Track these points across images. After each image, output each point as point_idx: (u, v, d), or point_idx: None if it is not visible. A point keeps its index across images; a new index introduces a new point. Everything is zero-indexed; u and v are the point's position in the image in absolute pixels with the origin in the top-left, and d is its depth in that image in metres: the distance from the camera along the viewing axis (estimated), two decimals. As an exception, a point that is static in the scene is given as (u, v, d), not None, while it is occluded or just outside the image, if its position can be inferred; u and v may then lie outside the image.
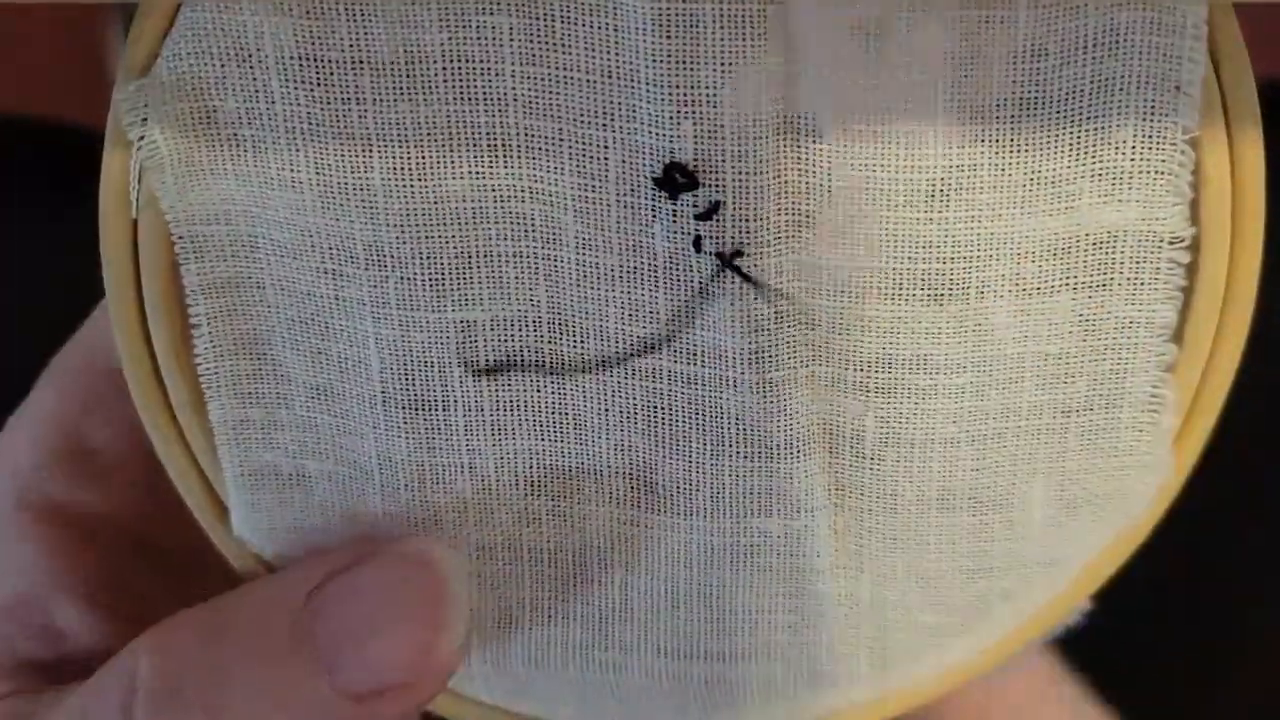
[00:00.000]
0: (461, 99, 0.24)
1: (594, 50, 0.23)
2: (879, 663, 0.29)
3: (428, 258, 0.25)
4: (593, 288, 0.25)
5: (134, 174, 0.25)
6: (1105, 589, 0.28)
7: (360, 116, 0.24)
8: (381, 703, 0.23)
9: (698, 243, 0.24)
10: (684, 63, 0.23)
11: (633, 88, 0.23)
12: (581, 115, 0.24)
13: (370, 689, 0.23)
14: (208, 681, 0.23)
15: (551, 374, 0.26)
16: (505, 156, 0.24)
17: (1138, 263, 0.25)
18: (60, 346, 0.29)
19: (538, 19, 0.23)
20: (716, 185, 0.24)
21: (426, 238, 0.25)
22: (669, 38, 0.23)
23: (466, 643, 0.25)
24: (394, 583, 0.24)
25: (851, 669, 0.29)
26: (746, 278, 0.24)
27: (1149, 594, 0.34)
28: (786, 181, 0.24)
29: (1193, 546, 0.35)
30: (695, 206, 0.24)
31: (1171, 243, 0.24)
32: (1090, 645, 0.33)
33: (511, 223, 0.25)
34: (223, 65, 0.24)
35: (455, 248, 0.25)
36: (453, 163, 0.24)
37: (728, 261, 0.24)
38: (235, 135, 0.24)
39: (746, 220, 0.24)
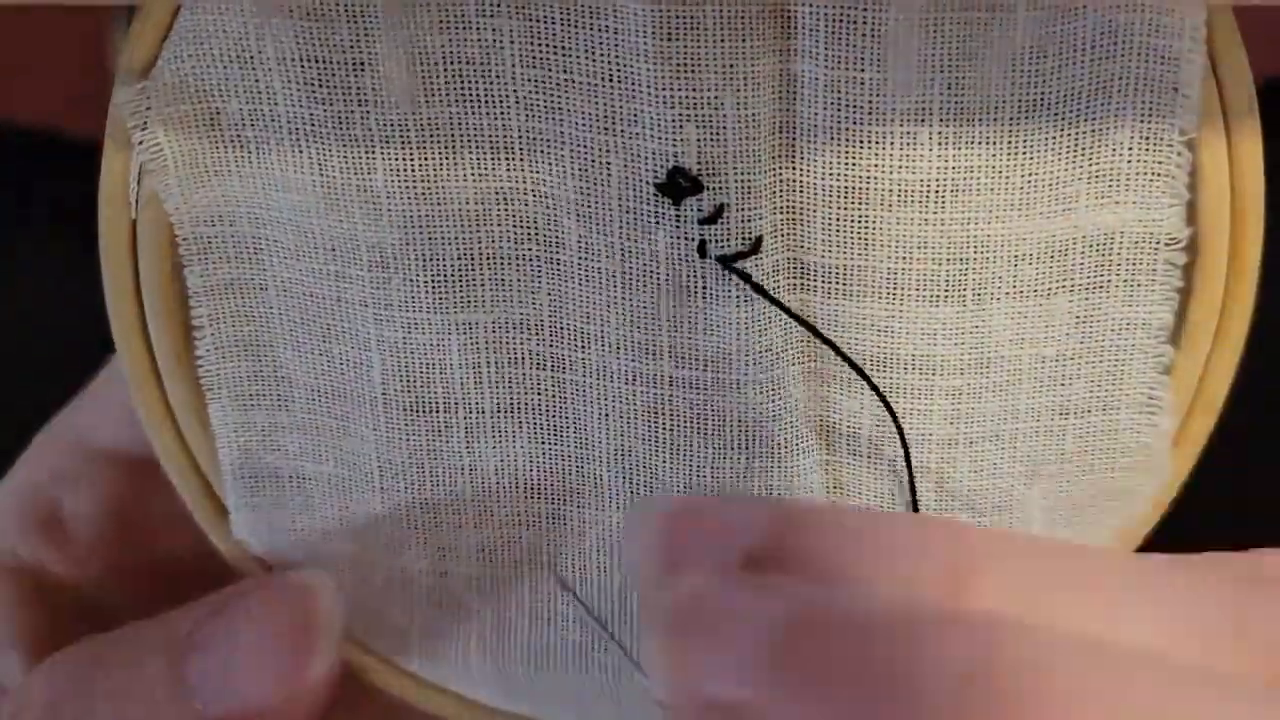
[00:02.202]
0: (463, 101, 0.24)
1: (594, 53, 0.23)
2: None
3: (430, 259, 0.25)
4: (595, 292, 0.25)
5: (134, 175, 0.25)
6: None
7: (363, 118, 0.24)
8: None
9: (702, 247, 0.24)
10: (685, 66, 0.23)
11: (634, 91, 0.23)
12: (583, 119, 0.24)
13: (234, 715, 0.24)
14: (85, 706, 0.25)
15: (553, 377, 0.26)
16: (508, 159, 0.24)
17: (1135, 264, 0.25)
18: (58, 350, 0.30)
19: (538, 21, 0.23)
20: (719, 188, 0.24)
21: (429, 239, 0.25)
22: (669, 40, 0.23)
23: (336, 668, 0.26)
24: (263, 616, 0.25)
25: None
26: (748, 279, 0.24)
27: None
28: (787, 183, 0.24)
29: (1193, 545, 0.35)
30: (700, 211, 0.24)
31: (1168, 244, 0.25)
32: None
33: (514, 225, 0.25)
34: (224, 67, 0.24)
35: (458, 249, 0.25)
36: (455, 164, 0.24)
37: (730, 265, 0.24)
38: (239, 136, 0.24)
39: (749, 222, 0.24)
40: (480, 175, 0.24)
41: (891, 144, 0.24)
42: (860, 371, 0.25)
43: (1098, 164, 0.24)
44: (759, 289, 0.24)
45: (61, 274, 0.31)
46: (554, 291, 0.25)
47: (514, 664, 0.29)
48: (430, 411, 0.26)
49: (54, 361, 0.31)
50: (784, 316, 0.25)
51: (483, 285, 0.25)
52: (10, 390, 0.30)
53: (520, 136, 0.24)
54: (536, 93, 0.24)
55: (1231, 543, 0.32)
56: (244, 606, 0.25)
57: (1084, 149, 0.24)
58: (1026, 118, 0.23)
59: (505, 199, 0.24)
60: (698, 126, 0.23)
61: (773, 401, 0.26)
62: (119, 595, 0.30)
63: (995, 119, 0.23)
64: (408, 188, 0.24)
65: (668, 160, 0.24)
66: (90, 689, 0.25)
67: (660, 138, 0.23)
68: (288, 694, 0.25)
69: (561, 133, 0.24)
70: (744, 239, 0.24)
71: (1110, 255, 0.25)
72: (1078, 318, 0.25)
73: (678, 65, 0.23)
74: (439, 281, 0.25)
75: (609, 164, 0.24)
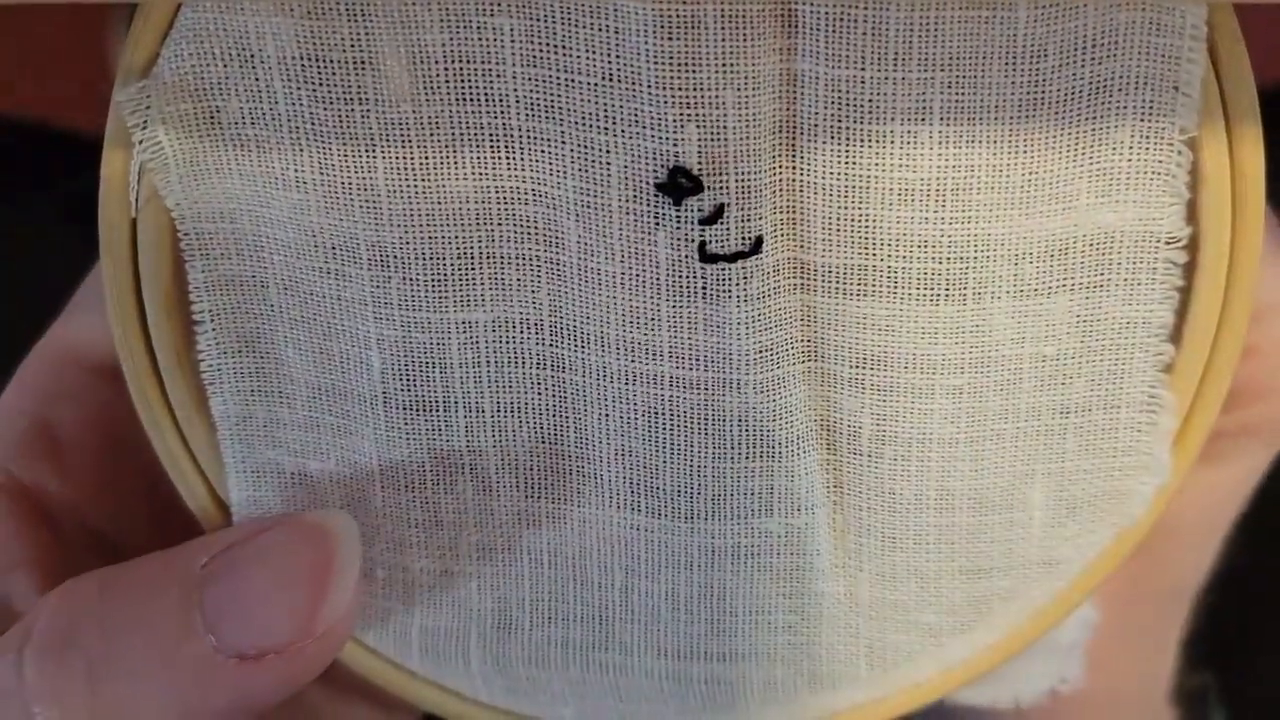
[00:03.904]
0: (463, 99, 0.24)
1: (595, 52, 0.23)
2: (878, 663, 0.29)
3: (430, 258, 0.25)
4: (594, 293, 0.25)
5: (134, 173, 0.25)
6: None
7: (363, 116, 0.24)
8: (260, 666, 0.24)
9: (702, 247, 0.24)
10: (686, 65, 0.23)
11: (635, 91, 0.23)
12: (583, 118, 0.24)
13: (249, 650, 0.24)
14: (97, 634, 0.24)
15: (553, 377, 0.26)
16: (508, 158, 0.24)
17: (1135, 263, 0.25)
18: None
19: (538, 20, 0.23)
20: (720, 187, 0.24)
21: (429, 238, 0.25)
22: (671, 39, 0.23)
23: (352, 615, 0.26)
24: (282, 551, 0.25)
25: (851, 669, 0.29)
26: (748, 279, 0.25)
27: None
28: (788, 182, 0.24)
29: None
30: (700, 211, 0.24)
31: (1168, 243, 0.25)
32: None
33: (514, 224, 0.25)
34: (225, 65, 0.24)
35: (458, 248, 0.25)
36: (456, 163, 0.24)
37: (730, 264, 0.24)
38: (239, 135, 0.24)
39: (749, 222, 0.24)
40: (480, 174, 0.24)
41: (892, 143, 0.24)
42: None
43: (1098, 163, 0.24)
44: None
45: (63, 271, 0.31)
46: (554, 291, 0.25)
47: (515, 663, 0.29)
48: (430, 410, 0.26)
49: None
50: (784, 316, 0.25)
51: (482, 284, 0.25)
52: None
53: (520, 136, 0.24)
54: (537, 92, 0.24)
55: (1232, 543, 0.32)
56: (263, 542, 0.25)
57: (1084, 148, 0.24)
58: (1027, 116, 0.23)
59: (505, 198, 0.24)
60: (699, 126, 0.23)
61: (773, 401, 0.26)
62: (122, 519, 0.29)
63: (996, 118, 0.23)
64: (408, 186, 0.24)
65: (668, 160, 0.24)
66: (103, 620, 0.24)
67: (661, 137, 0.23)
68: (303, 633, 0.24)
69: (562, 132, 0.24)
70: (744, 239, 0.24)
71: (1110, 254, 0.25)
72: (1078, 316, 0.25)
73: (679, 64, 0.23)
74: (439, 280, 0.25)
75: (609, 164, 0.24)
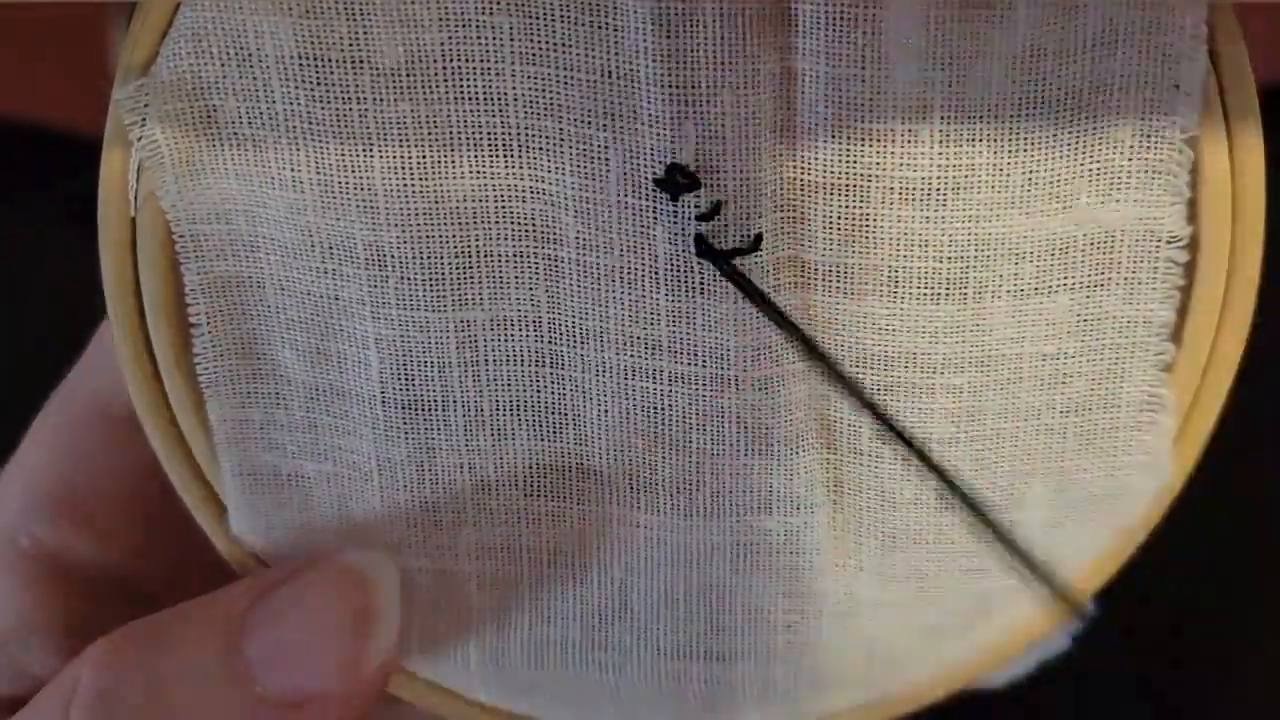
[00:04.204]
0: (462, 98, 0.24)
1: (594, 50, 0.23)
2: (878, 663, 0.29)
3: (428, 257, 0.25)
4: (593, 288, 0.25)
5: (133, 173, 0.25)
6: (1105, 589, 0.28)
7: (360, 116, 0.24)
8: (305, 714, 0.24)
9: (699, 243, 0.24)
10: (684, 62, 0.23)
11: (633, 88, 0.23)
12: (582, 115, 0.24)
13: (293, 698, 0.24)
14: (141, 691, 0.24)
15: (552, 374, 0.26)
16: (506, 156, 0.24)
17: (1136, 262, 0.25)
18: (57, 349, 0.29)
19: (537, 18, 0.23)
20: (718, 185, 0.24)
21: (427, 237, 0.25)
22: (669, 37, 0.23)
23: (395, 655, 0.26)
24: (322, 595, 0.25)
25: (850, 669, 0.29)
26: (745, 276, 0.24)
27: (1150, 594, 0.34)
28: (786, 180, 0.24)
29: (1193, 547, 0.35)
30: (697, 207, 0.24)
31: (1169, 242, 0.25)
32: (1092, 646, 0.33)
33: (512, 222, 0.25)
34: (222, 65, 0.24)
35: (455, 247, 0.25)
36: (453, 162, 0.24)
37: (728, 260, 0.24)
38: (236, 135, 0.24)
39: (747, 219, 0.24)
40: (478, 173, 0.24)
41: (892, 142, 0.24)
42: (855, 391, 0.25)
43: (1098, 162, 0.24)
44: (746, 286, 0.24)
45: (63, 271, 0.31)
46: (552, 288, 0.25)
47: (514, 662, 0.29)
48: (428, 410, 0.26)
49: (56, 360, 0.31)
50: (780, 313, 0.25)
51: (480, 283, 0.25)
52: (11, 388, 0.30)
53: (519, 133, 0.24)
54: (536, 89, 0.24)
55: (1232, 542, 0.32)
56: (303, 586, 0.25)
57: (1084, 147, 0.24)
58: (1027, 116, 0.23)
59: (503, 196, 0.24)
60: (696, 123, 0.23)
61: (772, 398, 0.26)
62: (156, 573, 0.29)
63: (996, 117, 0.23)
64: (405, 186, 0.24)
65: (666, 156, 0.24)
66: (144, 674, 0.24)
67: (659, 134, 0.23)
68: (351, 678, 0.24)
69: (560, 129, 0.24)
70: (742, 236, 0.24)
71: (1111, 253, 0.25)
72: (1078, 316, 0.25)
73: (677, 62, 0.23)
74: (436, 280, 0.25)
75: (608, 160, 0.24)
